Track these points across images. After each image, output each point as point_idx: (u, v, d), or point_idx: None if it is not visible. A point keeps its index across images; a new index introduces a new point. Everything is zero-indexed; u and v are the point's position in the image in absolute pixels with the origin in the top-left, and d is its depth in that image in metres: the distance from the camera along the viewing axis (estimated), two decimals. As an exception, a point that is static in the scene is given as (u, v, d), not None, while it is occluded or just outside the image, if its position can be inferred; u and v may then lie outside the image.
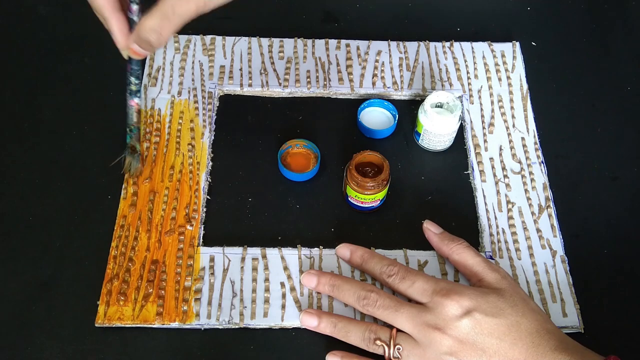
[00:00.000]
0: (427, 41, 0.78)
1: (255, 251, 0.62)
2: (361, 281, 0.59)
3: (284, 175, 0.67)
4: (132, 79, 0.62)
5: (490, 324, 0.51)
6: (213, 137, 0.70)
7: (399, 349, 0.53)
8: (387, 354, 0.54)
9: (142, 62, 0.61)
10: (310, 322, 0.57)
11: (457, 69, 0.76)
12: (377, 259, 0.59)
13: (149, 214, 0.64)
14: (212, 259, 0.61)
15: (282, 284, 0.60)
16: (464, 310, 0.52)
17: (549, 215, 0.65)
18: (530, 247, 0.63)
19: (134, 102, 0.64)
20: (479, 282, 0.56)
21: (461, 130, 0.71)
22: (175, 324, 0.58)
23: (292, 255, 0.62)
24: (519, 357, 0.51)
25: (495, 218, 0.65)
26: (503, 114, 0.73)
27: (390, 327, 0.55)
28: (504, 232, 0.64)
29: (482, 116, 0.72)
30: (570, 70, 0.78)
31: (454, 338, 0.51)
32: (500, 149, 0.70)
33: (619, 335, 0.59)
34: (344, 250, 0.61)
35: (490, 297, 0.53)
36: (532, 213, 0.65)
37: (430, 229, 0.62)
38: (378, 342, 0.54)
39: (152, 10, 0.54)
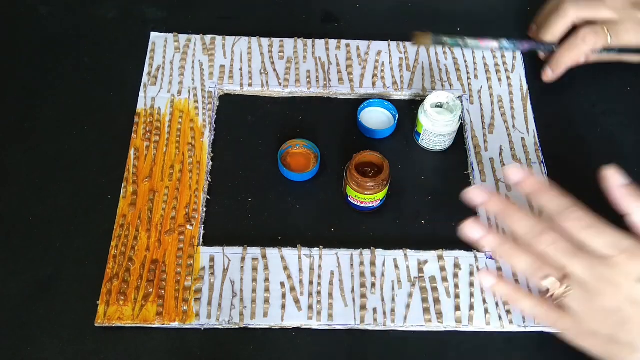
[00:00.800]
0: (427, 41, 0.78)
1: (255, 251, 0.62)
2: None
3: (284, 175, 0.67)
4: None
5: None
6: (213, 137, 0.70)
7: (568, 288, 0.51)
8: (554, 291, 0.52)
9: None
10: (475, 232, 0.54)
11: (457, 69, 0.76)
12: (552, 195, 0.55)
13: (149, 214, 0.64)
14: (212, 259, 0.61)
15: (282, 284, 0.60)
16: None
17: (549, 215, 0.65)
18: (530, 247, 0.63)
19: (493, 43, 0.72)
20: None
21: (461, 130, 0.71)
22: (175, 324, 0.58)
23: (292, 255, 0.62)
24: None
25: (496, 218, 0.65)
26: (503, 114, 0.73)
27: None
28: (504, 232, 0.64)
29: (482, 116, 0.72)
30: (570, 71, 0.78)
31: (628, 298, 0.50)
32: (500, 149, 0.70)
33: (619, 335, 0.59)
34: (514, 171, 0.56)
35: None
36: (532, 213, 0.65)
37: (613, 179, 0.57)
38: (547, 276, 0.52)
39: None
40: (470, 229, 0.54)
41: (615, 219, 0.66)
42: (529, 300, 0.53)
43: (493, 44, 0.73)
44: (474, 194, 0.55)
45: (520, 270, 0.53)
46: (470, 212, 0.66)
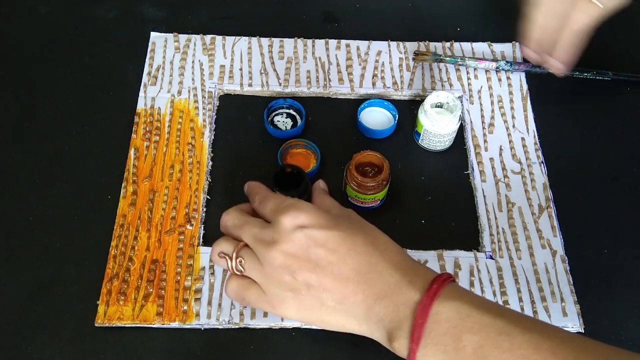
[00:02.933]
0: (427, 41, 0.78)
1: (255, 251, 0.62)
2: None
3: (284, 175, 0.67)
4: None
5: (324, 235, 0.50)
6: (213, 137, 0.70)
7: (240, 261, 0.53)
8: (229, 266, 0.53)
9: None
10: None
11: (457, 69, 0.76)
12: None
13: (149, 214, 0.64)
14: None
15: (282, 284, 0.60)
16: (299, 223, 0.50)
17: (549, 215, 0.65)
18: (530, 247, 0.63)
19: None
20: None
21: (461, 130, 0.71)
22: (175, 324, 0.58)
23: (292, 255, 0.62)
24: (351, 267, 0.49)
25: (496, 218, 0.65)
26: (503, 114, 0.73)
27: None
28: (504, 232, 0.64)
29: (482, 116, 0.72)
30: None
31: (287, 252, 0.50)
32: (500, 149, 0.70)
33: (619, 335, 0.59)
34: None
35: (328, 214, 0.52)
36: (532, 213, 0.65)
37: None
38: (221, 254, 0.54)
39: None
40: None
41: (617, 220, 0.66)
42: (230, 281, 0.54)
43: (491, 64, 0.74)
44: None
45: (212, 259, 0.55)
46: (470, 212, 0.66)
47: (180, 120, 0.70)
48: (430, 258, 0.62)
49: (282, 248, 0.50)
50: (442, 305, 0.46)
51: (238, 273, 0.53)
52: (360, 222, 0.54)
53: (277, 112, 0.72)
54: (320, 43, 0.78)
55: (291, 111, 0.72)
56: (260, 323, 0.58)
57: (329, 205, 0.57)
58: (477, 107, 0.73)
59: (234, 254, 0.53)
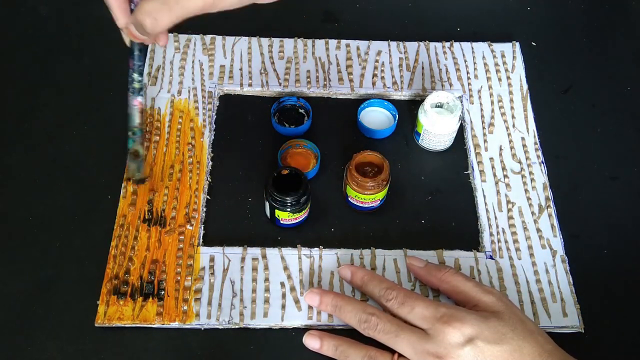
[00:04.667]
0: (427, 41, 0.78)
1: (255, 251, 0.62)
2: (363, 302, 0.58)
3: (284, 175, 0.67)
4: (135, 76, 0.58)
5: (492, 351, 0.50)
6: (213, 137, 0.70)
7: None
8: None
9: (144, 58, 0.55)
10: (313, 344, 0.56)
11: (457, 69, 0.76)
12: (377, 281, 0.58)
13: (149, 214, 0.64)
14: (212, 259, 0.61)
15: (282, 284, 0.60)
16: (466, 338, 0.51)
17: (549, 215, 0.65)
18: (530, 247, 0.63)
19: (136, 102, 0.59)
20: (475, 307, 0.55)
21: (461, 130, 0.71)
22: (175, 324, 0.58)
23: (292, 255, 0.62)
24: None
25: (495, 218, 0.65)
26: (503, 114, 0.73)
27: (392, 351, 0.54)
28: (504, 232, 0.64)
29: (482, 116, 0.72)
30: (570, 70, 0.78)
31: None
32: (500, 149, 0.70)
33: (619, 335, 0.59)
34: (345, 271, 0.60)
35: (490, 322, 0.52)
36: (532, 213, 0.65)
37: (414, 263, 0.60)
38: None
39: None
40: (307, 342, 0.57)
41: (617, 220, 0.66)
42: None
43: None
44: (307, 299, 0.59)
45: None
46: (470, 212, 0.66)
47: (180, 120, 0.70)
48: (430, 258, 0.62)
49: None
50: None
51: None
52: (515, 317, 0.53)
53: (286, 108, 0.72)
54: (320, 43, 0.78)
55: (302, 110, 0.72)
56: (260, 323, 0.58)
57: (474, 292, 0.55)
58: (477, 107, 0.73)
59: None
